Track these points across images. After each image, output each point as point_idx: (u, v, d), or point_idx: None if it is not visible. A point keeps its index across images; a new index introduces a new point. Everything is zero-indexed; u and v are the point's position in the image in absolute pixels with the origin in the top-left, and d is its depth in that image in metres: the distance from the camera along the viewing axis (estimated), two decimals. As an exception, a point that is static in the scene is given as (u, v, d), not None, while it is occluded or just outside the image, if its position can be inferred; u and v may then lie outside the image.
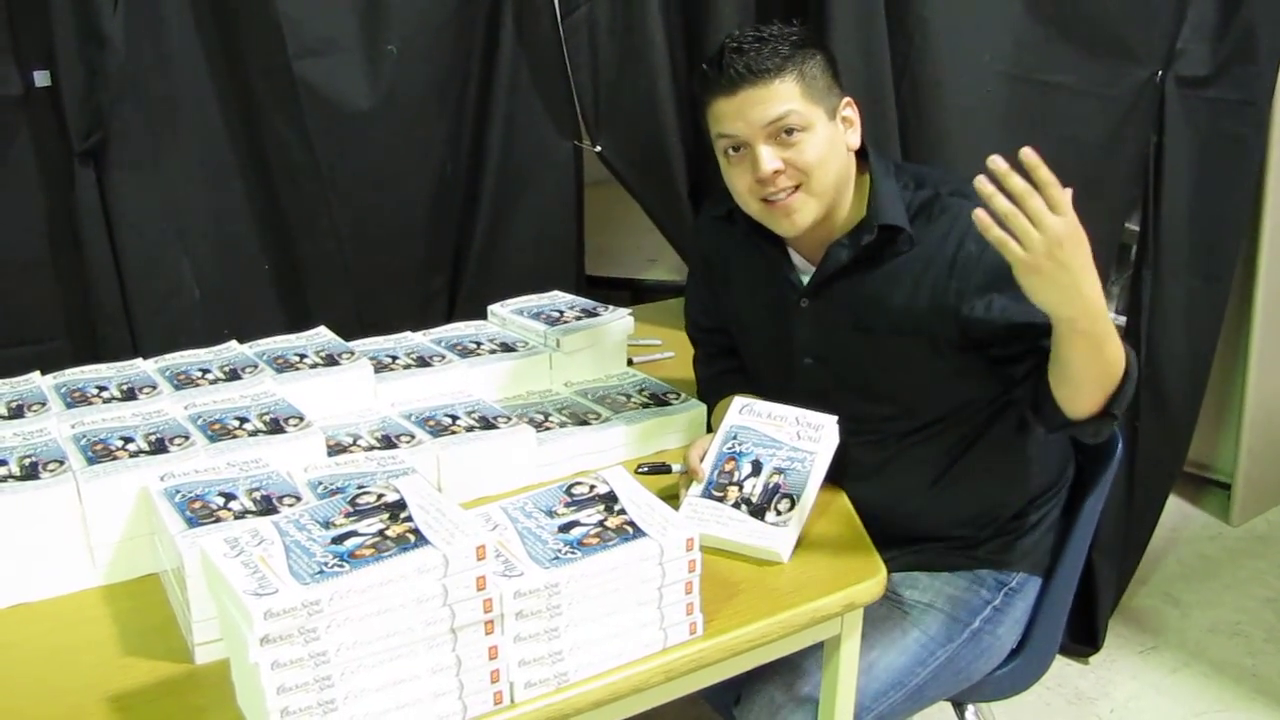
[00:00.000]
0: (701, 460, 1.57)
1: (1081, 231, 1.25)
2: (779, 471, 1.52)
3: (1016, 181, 1.22)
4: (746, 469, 1.54)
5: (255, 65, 2.14)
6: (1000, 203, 1.23)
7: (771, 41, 1.53)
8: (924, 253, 1.57)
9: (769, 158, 1.53)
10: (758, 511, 1.47)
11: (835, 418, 1.56)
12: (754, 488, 1.51)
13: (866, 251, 1.60)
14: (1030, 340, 1.47)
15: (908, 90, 2.20)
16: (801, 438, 1.55)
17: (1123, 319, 2.84)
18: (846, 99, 1.61)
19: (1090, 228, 2.32)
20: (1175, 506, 3.20)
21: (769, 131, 1.53)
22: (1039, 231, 1.22)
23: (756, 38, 1.54)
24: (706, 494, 1.52)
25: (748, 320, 1.81)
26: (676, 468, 1.67)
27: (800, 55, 1.54)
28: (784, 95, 1.52)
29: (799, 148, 1.53)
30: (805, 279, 1.67)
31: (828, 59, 1.59)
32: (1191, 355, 2.50)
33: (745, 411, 1.61)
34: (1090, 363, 1.35)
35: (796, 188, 1.55)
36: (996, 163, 1.22)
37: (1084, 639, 2.59)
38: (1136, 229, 2.49)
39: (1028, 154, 1.20)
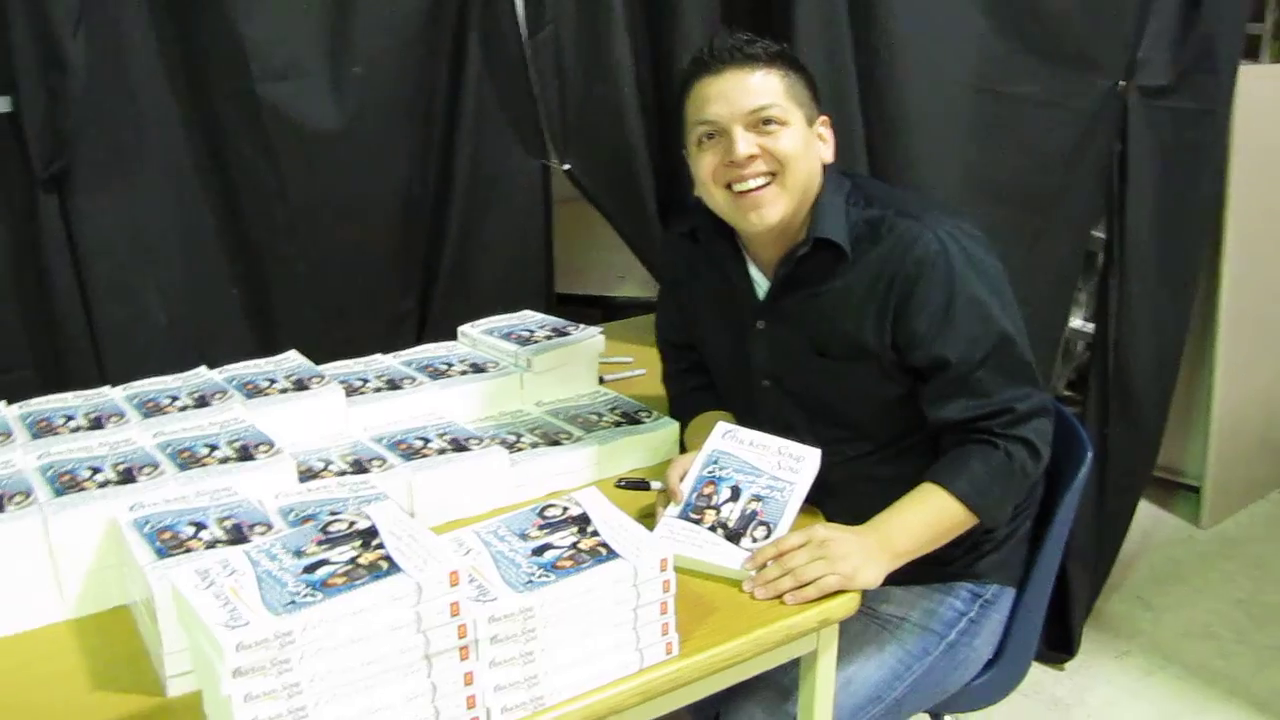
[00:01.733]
0: (681, 481, 1.57)
1: (823, 532, 1.44)
2: (757, 499, 1.52)
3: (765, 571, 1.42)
4: (725, 494, 1.54)
5: (219, 89, 2.12)
6: (767, 589, 1.40)
7: (763, 41, 1.58)
8: (867, 274, 1.58)
9: (745, 141, 1.54)
10: (733, 537, 1.47)
11: (818, 451, 1.57)
12: (731, 513, 1.51)
13: (803, 266, 1.61)
14: (935, 390, 1.58)
15: (873, 103, 2.22)
16: (782, 467, 1.56)
17: (1090, 326, 2.88)
18: (823, 117, 1.64)
19: (1056, 236, 2.37)
20: (1146, 510, 3.23)
21: (749, 120, 1.54)
22: (799, 572, 1.40)
23: (749, 35, 1.58)
24: (684, 515, 1.52)
25: (710, 340, 1.82)
26: (655, 485, 1.67)
27: (787, 62, 1.59)
28: (768, 87, 1.55)
29: (776, 137, 1.55)
30: (762, 294, 1.68)
31: (809, 81, 1.62)
32: (1159, 361, 2.53)
33: (728, 437, 1.61)
34: (940, 548, 1.56)
35: (771, 178, 1.56)
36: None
37: (1059, 645, 2.61)
38: (1103, 236, 2.51)
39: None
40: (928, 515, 1.53)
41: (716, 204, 1.62)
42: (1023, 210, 2.36)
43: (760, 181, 1.56)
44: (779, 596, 1.38)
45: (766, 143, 1.55)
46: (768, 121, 1.54)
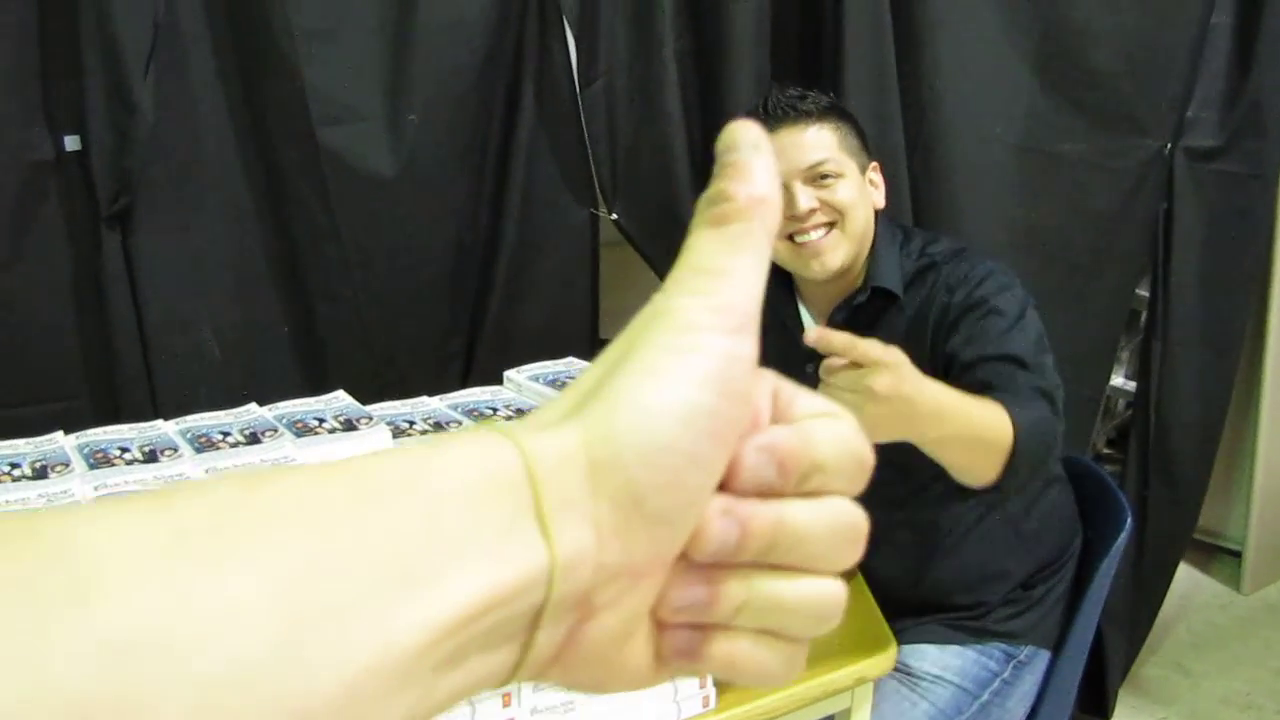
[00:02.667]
0: None
1: (898, 372, 1.28)
2: None
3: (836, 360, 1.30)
4: None
5: (280, 132, 2.18)
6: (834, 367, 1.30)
7: (812, 95, 1.63)
8: (915, 315, 1.62)
9: (805, 197, 1.59)
10: None
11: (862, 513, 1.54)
12: None
13: (859, 314, 1.63)
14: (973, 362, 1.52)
15: (920, 160, 2.24)
16: None
17: (1131, 384, 2.87)
18: (874, 163, 1.69)
19: (1099, 295, 2.37)
20: (1185, 574, 3.19)
21: (806, 175, 1.59)
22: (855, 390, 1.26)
23: (799, 90, 1.64)
24: None
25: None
26: None
27: (837, 114, 1.65)
28: (821, 142, 1.60)
29: (833, 190, 1.60)
30: None
31: (858, 130, 1.68)
32: (1201, 423, 2.52)
33: None
34: (958, 454, 1.42)
35: (830, 227, 1.59)
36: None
37: (1093, 709, 2.58)
38: (1146, 294, 2.52)
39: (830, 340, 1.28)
40: (982, 419, 1.40)
41: (778, 255, 1.65)
42: (1067, 268, 2.38)
43: (821, 233, 1.60)
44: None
45: (825, 195, 1.60)
46: (824, 176, 1.59)
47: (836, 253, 1.61)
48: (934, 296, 1.60)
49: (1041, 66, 2.26)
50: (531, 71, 2.33)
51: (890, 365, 1.26)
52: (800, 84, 2.17)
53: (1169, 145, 2.33)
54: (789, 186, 1.59)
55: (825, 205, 1.60)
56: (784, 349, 1.76)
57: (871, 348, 1.26)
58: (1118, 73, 2.27)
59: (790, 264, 1.66)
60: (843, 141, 1.63)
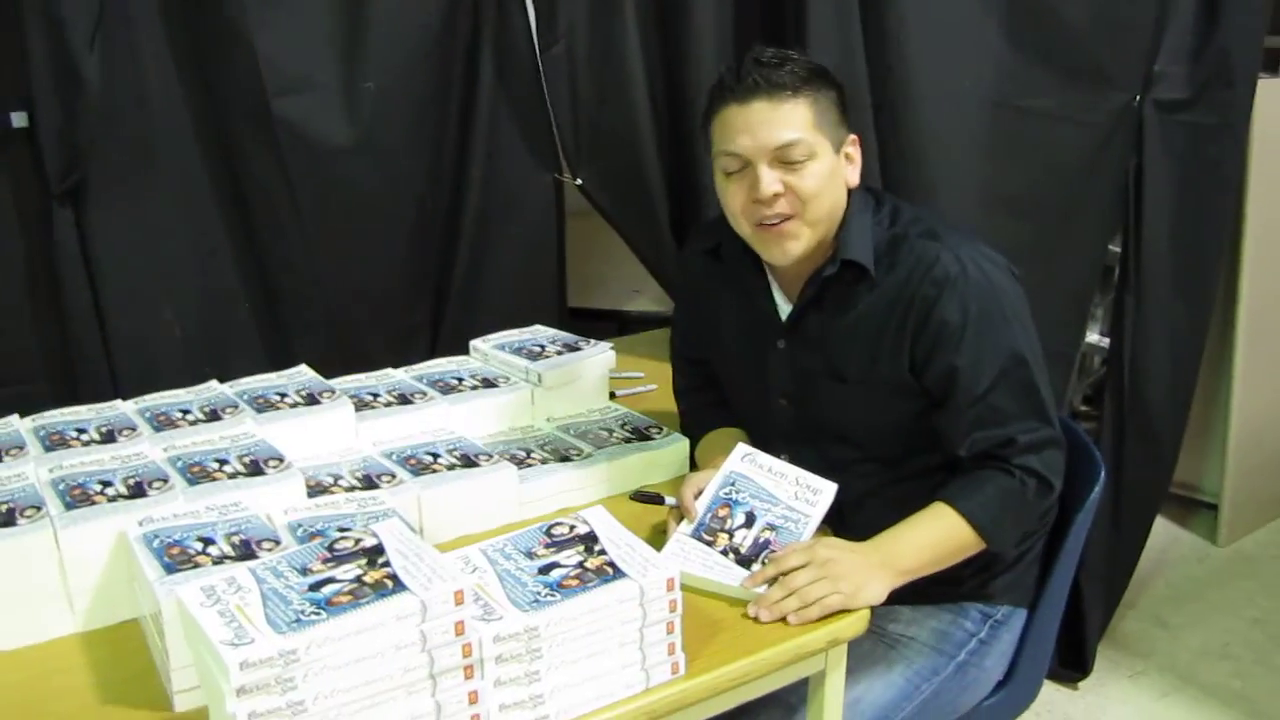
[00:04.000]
0: (696, 499, 1.56)
1: (824, 551, 1.44)
2: (771, 528, 1.51)
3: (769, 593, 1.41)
4: (740, 519, 1.53)
5: (233, 104, 2.14)
6: (771, 611, 1.38)
7: (793, 63, 1.54)
8: (886, 296, 1.58)
9: (770, 180, 1.53)
10: (744, 563, 1.46)
11: (835, 485, 1.56)
12: (744, 539, 1.50)
13: (829, 287, 1.60)
14: (952, 412, 1.56)
15: (887, 119, 2.22)
16: (799, 498, 1.55)
17: (1105, 341, 2.86)
18: (853, 136, 1.62)
19: (1072, 251, 2.36)
20: (1162, 528, 3.21)
21: (774, 155, 1.52)
22: (802, 592, 1.38)
23: (780, 55, 1.54)
24: (696, 535, 1.51)
25: (727, 357, 1.81)
26: (669, 501, 1.66)
27: (818, 83, 1.55)
28: (795, 120, 1.52)
29: (800, 175, 1.53)
30: (784, 314, 1.67)
31: (841, 96, 1.60)
32: (1175, 376, 2.51)
33: (747, 460, 1.61)
34: (938, 567, 1.54)
35: (791, 216, 1.55)
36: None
37: (1073, 664, 2.59)
38: (1119, 250, 2.50)
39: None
40: (935, 534, 1.52)
41: (744, 234, 1.62)
42: (1038, 225, 2.36)
43: (782, 217, 1.55)
44: (783, 618, 1.37)
45: (791, 180, 1.53)
46: (794, 161, 1.53)
47: (798, 241, 1.57)
48: (915, 284, 1.55)
49: (1009, 21, 2.23)
50: (490, 35, 2.29)
51: (815, 557, 1.42)
52: (763, 42, 2.15)
53: (1138, 98, 2.31)
54: (755, 165, 1.53)
55: (790, 191, 1.54)
56: (755, 326, 1.73)
57: (786, 560, 1.42)
58: (1085, 26, 2.25)
59: (755, 246, 1.62)
60: (820, 118, 1.54)
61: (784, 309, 1.69)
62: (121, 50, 2.02)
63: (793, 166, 1.53)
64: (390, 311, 2.38)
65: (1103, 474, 1.74)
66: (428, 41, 2.25)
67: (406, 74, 2.23)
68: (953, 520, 1.52)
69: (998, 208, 2.31)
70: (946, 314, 1.53)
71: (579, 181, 2.41)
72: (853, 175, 1.62)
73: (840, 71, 2.12)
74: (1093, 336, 3.08)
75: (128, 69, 2.05)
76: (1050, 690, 2.54)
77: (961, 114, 2.25)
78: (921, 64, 2.19)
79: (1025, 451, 1.54)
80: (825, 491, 1.55)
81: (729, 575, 1.44)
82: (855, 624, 1.40)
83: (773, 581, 1.41)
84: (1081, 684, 2.60)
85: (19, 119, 2.00)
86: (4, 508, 1.43)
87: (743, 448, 1.63)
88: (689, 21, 2.23)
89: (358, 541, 1.18)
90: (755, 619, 1.37)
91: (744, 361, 1.77)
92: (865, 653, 1.61)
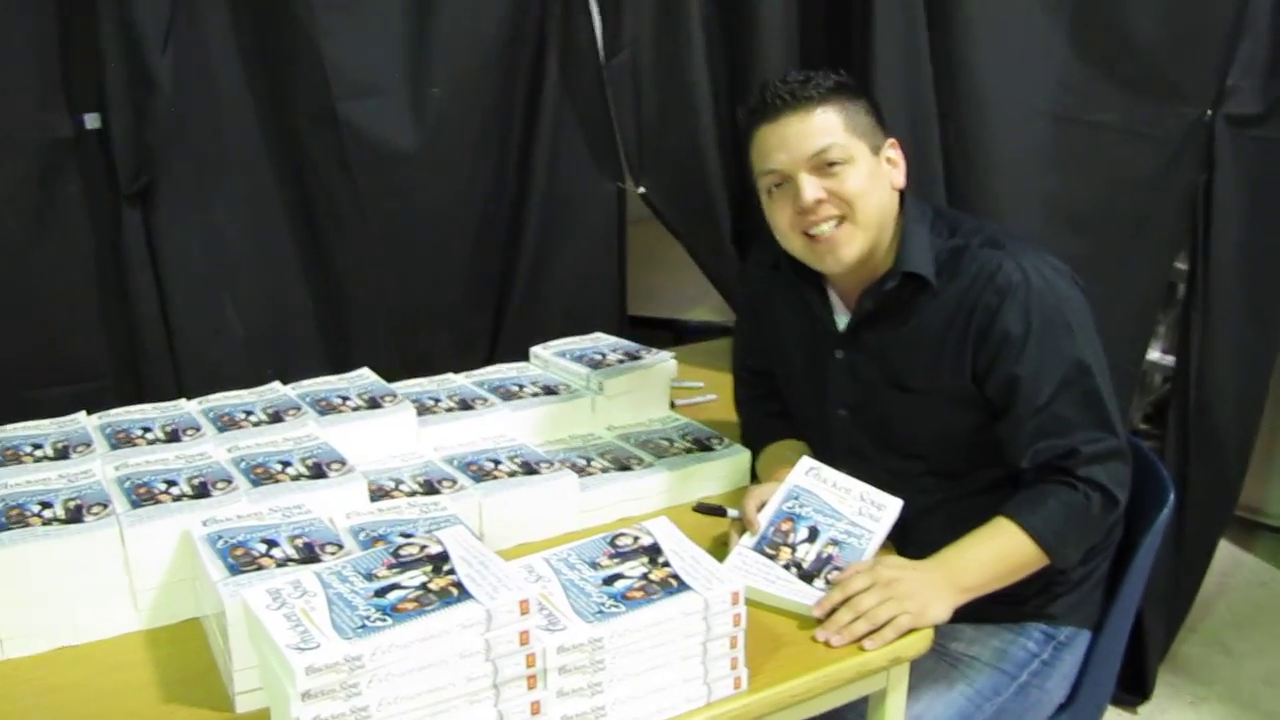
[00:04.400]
0: (759, 512, 1.55)
1: (886, 572, 1.42)
2: (834, 543, 1.50)
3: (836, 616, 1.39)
4: (803, 533, 1.52)
5: (301, 107, 2.16)
6: (842, 635, 1.37)
7: (815, 78, 1.56)
8: (948, 306, 1.57)
9: (811, 187, 1.53)
10: (806, 578, 1.45)
11: (900, 502, 1.55)
12: (807, 554, 1.49)
13: (890, 299, 1.59)
14: (1013, 422, 1.54)
15: (952, 133, 2.19)
16: (863, 514, 1.54)
17: (1168, 358, 2.81)
18: (891, 140, 1.62)
19: (1136, 267, 2.32)
20: (1226, 552, 3.14)
21: (812, 164, 1.53)
22: (871, 615, 1.37)
23: (803, 74, 1.56)
24: (758, 548, 1.50)
25: (787, 368, 1.80)
26: (732, 513, 1.65)
27: (843, 93, 1.56)
28: (826, 126, 1.53)
29: (841, 178, 1.53)
30: (842, 324, 1.66)
31: (871, 104, 1.61)
32: (1242, 396, 2.46)
33: (811, 474, 1.60)
34: (1000, 584, 1.52)
35: (841, 220, 1.54)
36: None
37: (1133, 688, 2.54)
38: (1184, 268, 2.46)
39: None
40: (997, 550, 1.50)
41: (796, 250, 1.62)
42: (1103, 240, 2.32)
43: (831, 225, 1.55)
44: (857, 641, 1.35)
45: (832, 185, 1.53)
46: (831, 163, 1.53)
47: (851, 246, 1.56)
48: (978, 292, 1.54)
49: (1077, 33, 2.20)
50: (556, 42, 2.30)
51: (880, 578, 1.40)
52: (828, 54, 2.15)
53: (1209, 112, 2.27)
54: (795, 178, 1.54)
55: (833, 196, 1.54)
56: (813, 337, 1.72)
57: (851, 584, 1.40)
58: (1156, 38, 2.21)
59: (808, 260, 1.61)
60: (850, 122, 1.55)
61: (841, 320, 1.68)
62: (193, 53, 2.05)
63: (831, 172, 1.53)
64: (451, 316, 2.39)
65: (1171, 495, 1.71)
66: (494, 48, 2.26)
67: (472, 80, 2.25)
68: (1015, 535, 1.50)
69: (1062, 221, 2.28)
70: (1009, 322, 1.52)
71: (641, 190, 2.41)
72: (897, 177, 1.62)
73: (906, 80, 2.13)
74: (1155, 354, 3.03)
75: (198, 73, 2.07)
76: (1110, 714, 2.49)
77: (1027, 126, 2.22)
78: (987, 74, 2.16)
79: (1089, 462, 1.51)
80: (890, 508, 1.54)
81: (794, 591, 1.43)
82: (918, 642, 1.38)
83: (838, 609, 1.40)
84: (1141, 708, 2.55)
85: (92, 120, 2.03)
86: (72, 504, 1.45)
87: (807, 461, 1.62)
88: (754, 32, 2.22)
89: (423, 548, 1.18)
90: (826, 643, 1.36)
91: (804, 373, 1.76)
92: (927, 671, 1.59)
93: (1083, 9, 2.18)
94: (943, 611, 1.41)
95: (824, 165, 1.53)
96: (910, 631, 1.37)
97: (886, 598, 1.38)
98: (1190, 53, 2.22)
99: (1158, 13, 2.18)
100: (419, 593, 1.09)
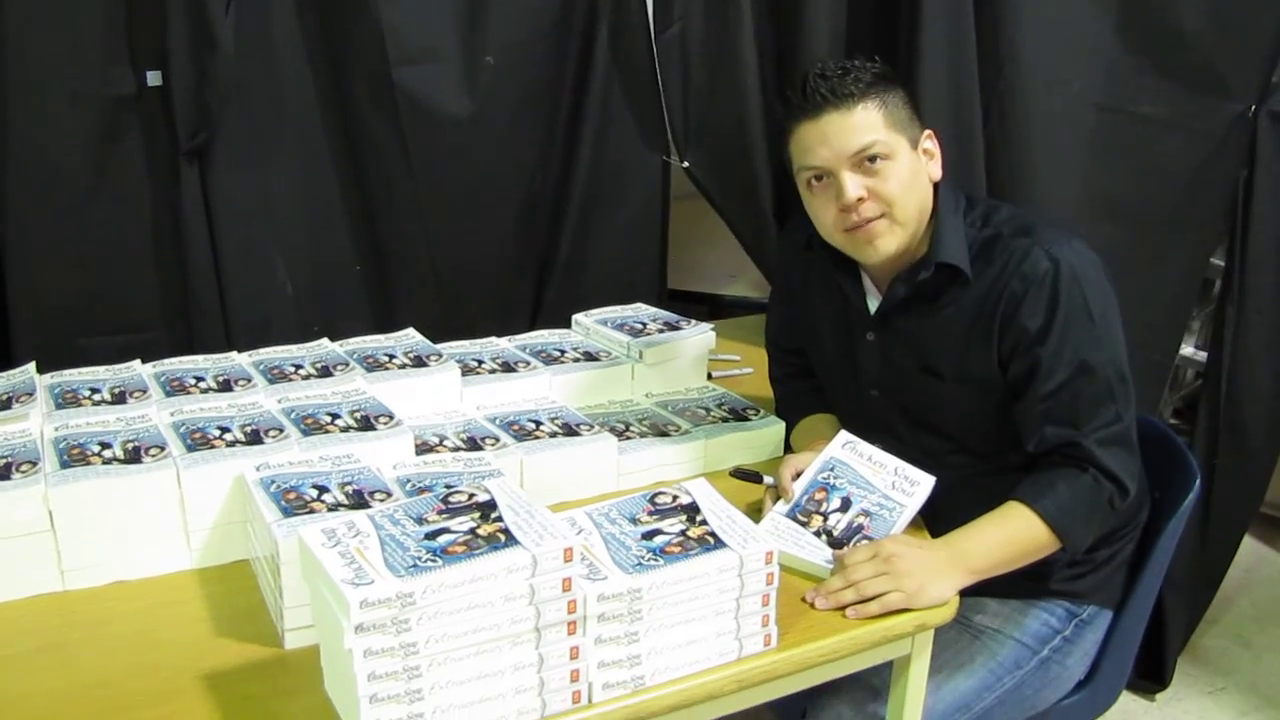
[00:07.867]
0: (794, 480, 1.59)
1: (890, 546, 1.43)
2: (866, 514, 1.54)
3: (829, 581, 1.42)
4: (835, 503, 1.56)
5: (357, 72, 2.20)
6: (826, 599, 1.40)
7: (854, 70, 1.56)
8: (978, 293, 1.59)
9: (853, 185, 1.55)
10: (836, 545, 1.49)
11: (933, 479, 1.58)
12: (838, 523, 1.52)
13: (923, 288, 1.62)
14: (1026, 405, 1.56)
15: (995, 120, 2.21)
16: (896, 488, 1.57)
17: (1201, 354, 2.82)
18: (928, 131, 1.64)
19: (1172, 260, 2.32)
20: (1250, 547, 3.15)
21: (854, 160, 1.55)
22: (860, 586, 1.39)
23: (840, 66, 1.57)
24: (791, 515, 1.54)
25: (820, 347, 1.83)
26: (768, 480, 1.69)
27: (882, 85, 1.57)
28: (867, 123, 1.54)
29: (882, 176, 1.55)
30: (874, 307, 1.69)
31: (908, 94, 1.62)
32: (1273, 393, 2.47)
33: (847, 448, 1.63)
34: (1010, 566, 1.53)
35: (880, 215, 1.57)
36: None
37: (1152, 676, 2.56)
38: (1220, 263, 2.47)
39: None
40: (1006, 533, 1.51)
41: (837, 244, 1.64)
42: (1140, 232, 2.33)
43: (872, 218, 1.57)
44: (841, 609, 1.38)
45: (873, 184, 1.55)
46: (873, 159, 1.54)
47: (888, 238, 1.58)
48: (1005, 280, 1.56)
49: (1125, 24, 2.21)
50: (607, 15, 2.33)
51: (880, 552, 1.41)
52: (874, 36, 2.16)
53: (1253, 108, 2.27)
54: (837, 175, 1.55)
55: (874, 195, 1.56)
56: (845, 318, 1.75)
57: (853, 554, 1.43)
58: (1204, 32, 2.21)
59: (848, 251, 1.64)
60: (891, 117, 1.56)
61: (873, 303, 1.71)
62: (254, 15, 2.10)
63: (873, 169, 1.55)
64: (495, 282, 2.43)
65: (1198, 481, 1.74)
66: (547, 19, 2.29)
67: (524, 50, 2.28)
68: (1025, 518, 1.51)
69: (1100, 212, 2.29)
70: (1033, 309, 1.54)
71: (686, 164, 2.44)
72: (935, 169, 1.64)
73: (952, 65, 2.14)
74: (1188, 349, 3.03)
75: (258, 35, 2.12)
76: (1127, 700, 2.52)
77: (1069, 115, 2.23)
78: (1032, 63, 2.17)
79: (1096, 449, 1.53)
80: (923, 484, 1.57)
81: (821, 557, 1.47)
82: (943, 611, 1.41)
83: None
84: (1159, 696, 2.58)
85: (154, 78, 2.07)
86: (130, 446, 1.50)
87: (845, 435, 1.65)
88: (803, 9, 2.24)
89: (471, 496, 1.22)
90: (811, 604, 1.39)
91: (835, 353, 1.79)
92: (950, 641, 1.62)
93: (1131, 0, 2.19)
94: (942, 593, 1.42)
95: (865, 161, 1.55)
96: (902, 611, 1.39)
97: (881, 572, 1.39)
98: (1237, 48, 2.22)
99: (1206, 6, 2.19)
100: (468, 537, 1.14)
